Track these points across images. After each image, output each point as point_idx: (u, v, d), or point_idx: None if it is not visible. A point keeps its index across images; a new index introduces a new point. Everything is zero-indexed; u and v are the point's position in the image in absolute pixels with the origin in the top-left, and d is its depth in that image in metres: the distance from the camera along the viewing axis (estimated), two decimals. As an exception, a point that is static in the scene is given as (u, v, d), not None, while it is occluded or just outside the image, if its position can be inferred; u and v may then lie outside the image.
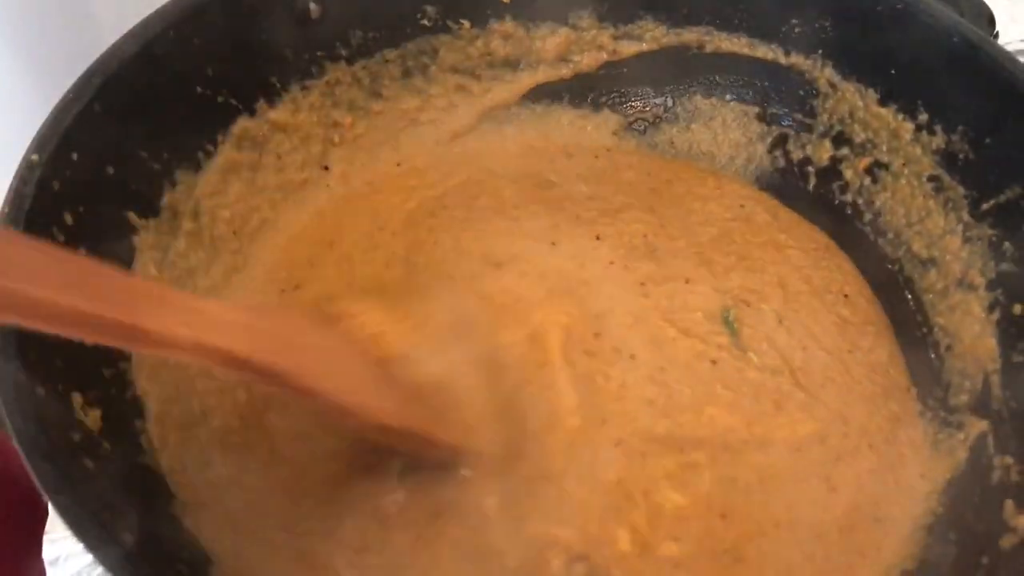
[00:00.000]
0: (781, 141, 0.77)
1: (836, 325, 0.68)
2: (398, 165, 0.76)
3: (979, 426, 0.59)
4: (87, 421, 0.49)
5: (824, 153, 0.75)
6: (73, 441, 0.47)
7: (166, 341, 0.42)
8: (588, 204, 0.74)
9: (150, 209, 0.61)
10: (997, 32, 0.88)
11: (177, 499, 0.52)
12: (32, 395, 0.46)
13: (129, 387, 0.55)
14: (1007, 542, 0.51)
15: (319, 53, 0.72)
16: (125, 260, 0.59)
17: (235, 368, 0.45)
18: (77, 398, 0.49)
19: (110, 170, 0.58)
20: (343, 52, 0.73)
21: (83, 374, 0.52)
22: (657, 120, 0.81)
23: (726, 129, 0.79)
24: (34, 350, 0.47)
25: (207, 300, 0.47)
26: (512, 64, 0.79)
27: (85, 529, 0.40)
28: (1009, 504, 0.53)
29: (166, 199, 0.63)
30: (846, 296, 0.71)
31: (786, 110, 0.77)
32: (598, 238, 0.71)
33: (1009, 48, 0.77)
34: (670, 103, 0.80)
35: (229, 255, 0.67)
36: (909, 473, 0.61)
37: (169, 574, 0.47)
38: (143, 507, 0.48)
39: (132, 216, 0.60)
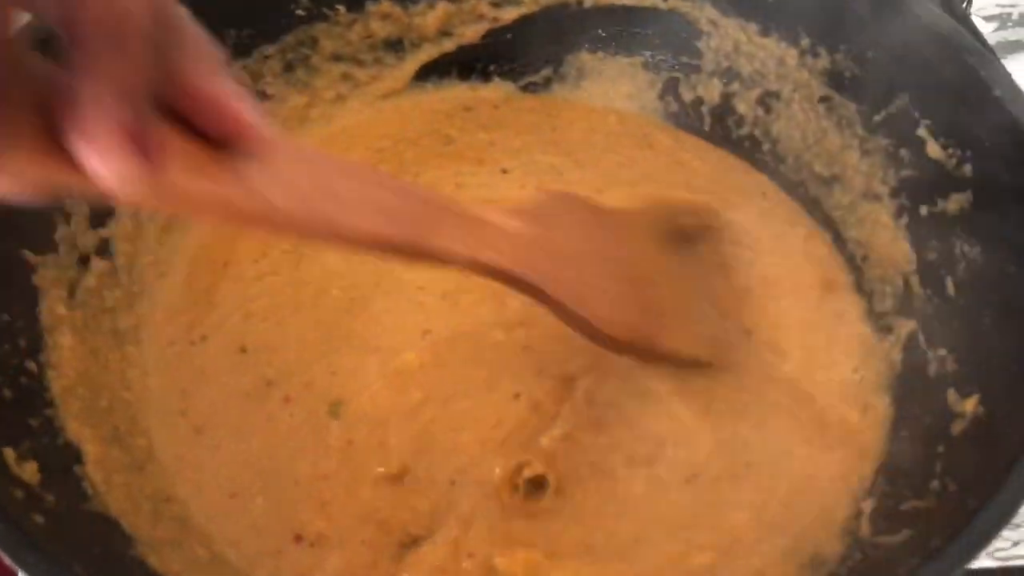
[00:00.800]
0: (671, 86, 0.78)
1: (759, 215, 0.70)
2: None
3: (908, 325, 0.62)
4: (24, 475, 0.46)
5: (714, 91, 0.76)
6: (18, 499, 0.43)
7: (444, 257, 0.46)
8: (490, 149, 0.75)
9: (46, 244, 0.57)
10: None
11: (137, 541, 0.49)
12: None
13: (59, 434, 0.52)
14: (957, 428, 0.53)
15: (195, 58, 0.69)
16: (30, 301, 0.55)
17: (495, 278, 0.49)
18: (9, 453, 0.46)
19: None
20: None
21: (10, 427, 0.48)
22: (548, 82, 0.80)
23: (615, 83, 0.80)
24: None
25: (481, 209, 0.50)
26: (394, 45, 0.78)
27: (59, 584, 0.37)
28: (951, 392, 0.55)
29: (60, 232, 0.59)
30: (764, 193, 0.73)
31: (671, 55, 0.78)
32: (504, 171, 0.73)
33: (983, 15, 0.80)
34: (558, 64, 0.80)
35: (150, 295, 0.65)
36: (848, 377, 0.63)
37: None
38: (106, 553, 0.45)
39: (27, 254, 0.56)
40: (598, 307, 0.54)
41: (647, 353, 0.58)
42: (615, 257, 0.58)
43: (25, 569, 0.38)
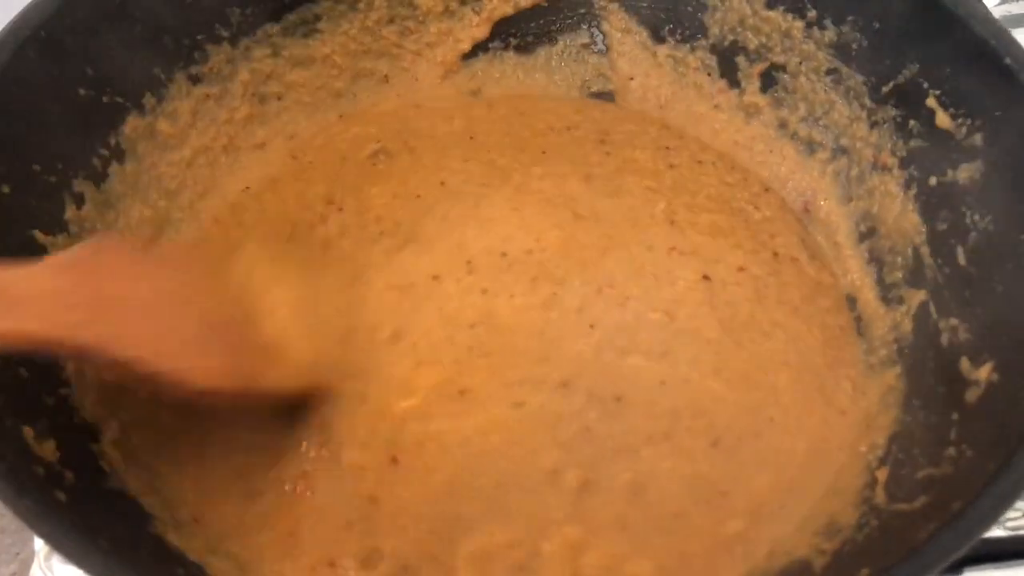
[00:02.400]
0: (679, 61, 0.78)
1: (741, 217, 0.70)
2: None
3: (918, 296, 0.62)
4: (43, 453, 0.46)
5: (721, 65, 0.76)
6: (40, 476, 0.43)
7: None
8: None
9: (56, 225, 0.57)
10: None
11: (155, 519, 0.49)
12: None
13: (75, 413, 0.52)
14: (972, 395, 0.53)
15: (199, 37, 0.68)
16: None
17: (31, 347, 0.43)
18: (28, 432, 0.46)
19: (5, 189, 0.54)
20: (224, 33, 0.70)
21: (26, 406, 0.48)
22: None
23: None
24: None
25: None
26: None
27: (87, 558, 0.37)
28: (964, 361, 0.55)
29: (70, 213, 0.59)
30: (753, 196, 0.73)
31: (676, 29, 0.77)
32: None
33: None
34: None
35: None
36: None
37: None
38: (127, 530, 0.45)
39: (38, 235, 0.56)
40: (182, 356, 0.48)
41: (253, 396, 0.52)
42: (185, 297, 0.51)
43: (53, 543, 0.38)
